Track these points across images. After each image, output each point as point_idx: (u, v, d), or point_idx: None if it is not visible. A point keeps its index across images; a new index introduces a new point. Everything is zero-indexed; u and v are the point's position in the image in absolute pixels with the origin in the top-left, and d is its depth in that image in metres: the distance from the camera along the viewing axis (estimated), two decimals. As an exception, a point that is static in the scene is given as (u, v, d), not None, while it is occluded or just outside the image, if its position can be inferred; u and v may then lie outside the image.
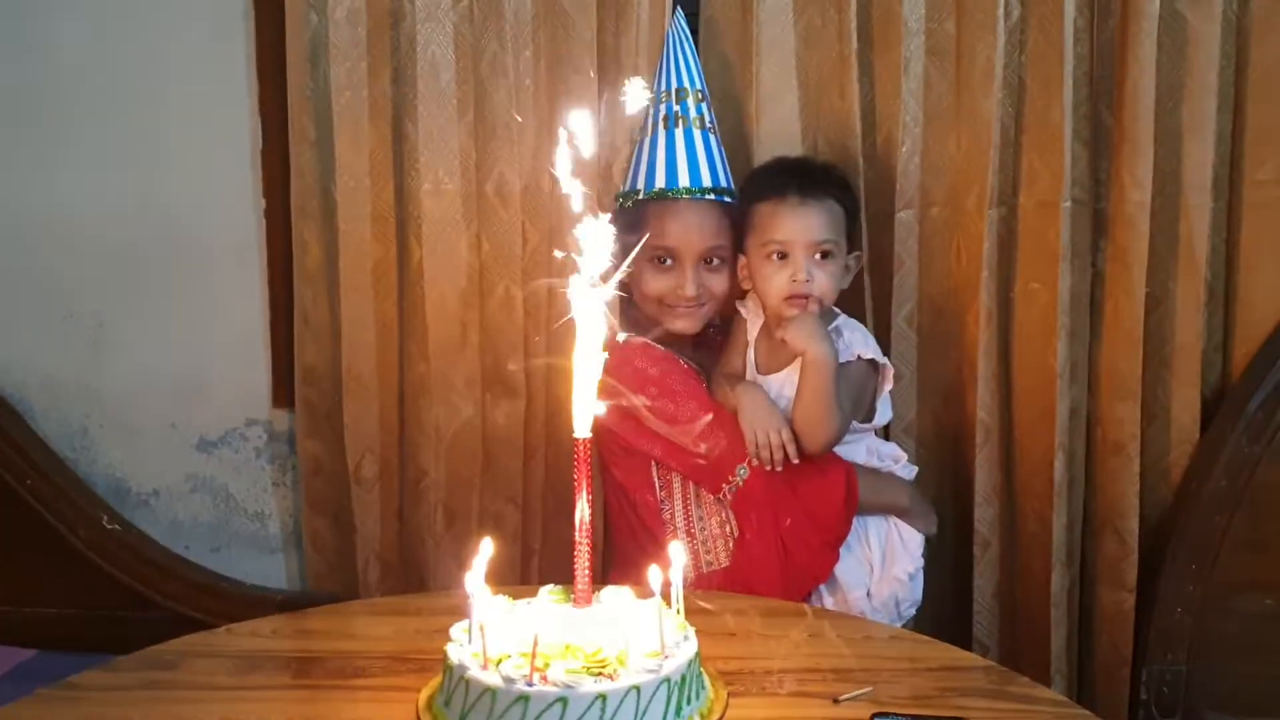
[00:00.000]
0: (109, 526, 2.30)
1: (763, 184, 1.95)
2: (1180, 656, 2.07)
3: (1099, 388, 2.08)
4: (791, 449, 1.84)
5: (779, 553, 1.86)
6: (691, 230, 1.96)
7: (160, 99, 2.27)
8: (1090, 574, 2.12)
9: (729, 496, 1.90)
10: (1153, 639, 2.07)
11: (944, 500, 2.17)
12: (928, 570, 2.15)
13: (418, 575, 2.21)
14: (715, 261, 2.00)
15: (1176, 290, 2.05)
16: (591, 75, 2.05)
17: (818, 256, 1.88)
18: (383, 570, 2.23)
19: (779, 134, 2.08)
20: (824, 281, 1.88)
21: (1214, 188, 2.01)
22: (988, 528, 2.11)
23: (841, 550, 1.90)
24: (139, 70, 2.27)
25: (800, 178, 1.92)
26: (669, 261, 1.98)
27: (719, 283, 2.01)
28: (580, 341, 1.35)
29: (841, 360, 1.86)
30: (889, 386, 1.97)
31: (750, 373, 1.98)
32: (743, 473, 1.87)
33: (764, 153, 2.09)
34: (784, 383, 1.91)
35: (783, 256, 1.89)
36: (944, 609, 2.17)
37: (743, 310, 2.04)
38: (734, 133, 2.11)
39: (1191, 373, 2.05)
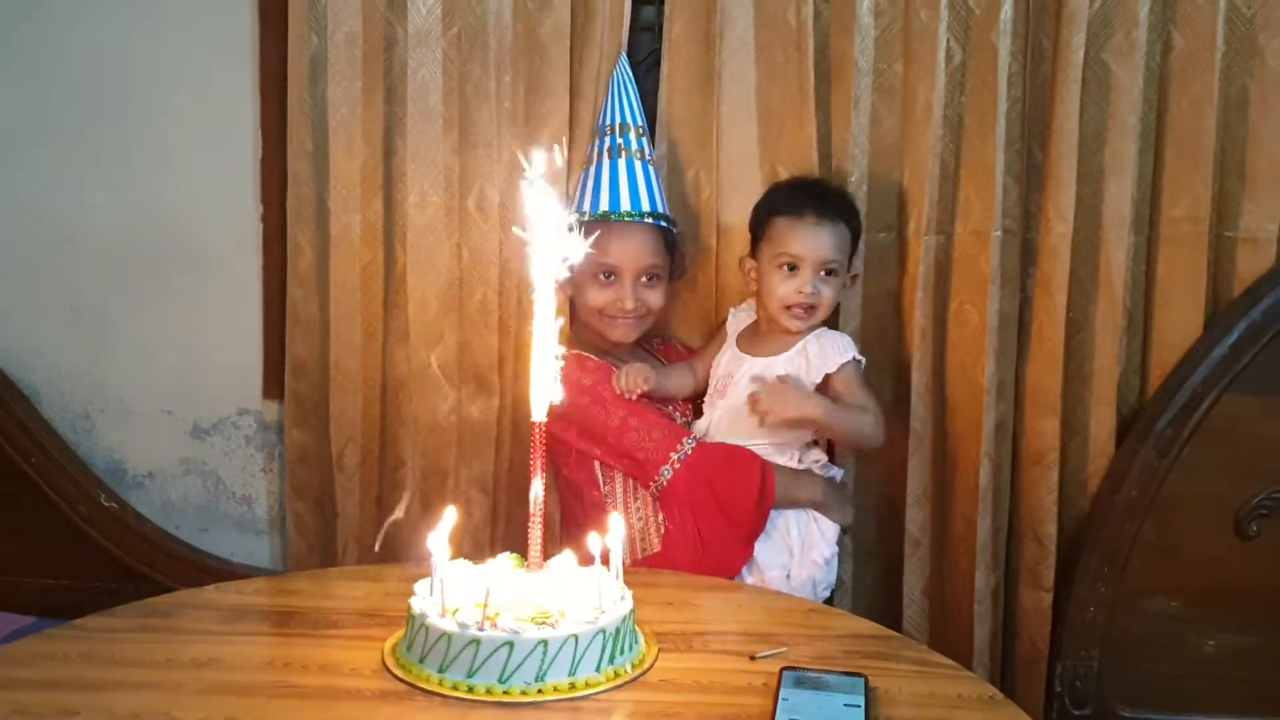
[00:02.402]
0: (106, 504, 2.47)
1: (783, 200, 2.12)
2: (1093, 653, 2.21)
3: (1024, 403, 2.22)
4: (637, 383, 2.08)
5: (697, 544, 2.04)
6: (631, 249, 2.14)
7: (168, 109, 2.43)
8: (1012, 575, 2.27)
9: (656, 493, 2.08)
10: (1067, 636, 2.21)
11: (881, 502, 2.34)
12: (863, 567, 2.34)
13: (393, 557, 2.35)
14: (651, 279, 2.18)
15: (1096, 316, 2.19)
16: (563, 99, 2.24)
17: (824, 273, 2.06)
18: (361, 552, 2.38)
19: (738, 161, 2.25)
20: (827, 295, 2.07)
21: (1133, 223, 2.15)
22: (918, 528, 2.26)
23: (765, 538, 2.06)
24: (149, 82, 2.43)
25: (819, 199, 2.09)
26: (610, 277, 2.15)
27: (655, 297, 2.19)
28: (537, 336, 1.52)
29: (841, 362, 2.06)
30: None
31: (732, 352, 2.17)
32: (666, 473, 2.05)
33: (725, 178, 2.26)
34: (764, 367, 2.10)
35: (793, 268, 2.07)
36: (877, 604, 2.34)
37: (733, 316, 2.24)
38: (696, 159, 2.28)
39: (1108, 392, 2.20)
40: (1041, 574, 2.23)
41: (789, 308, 2.07)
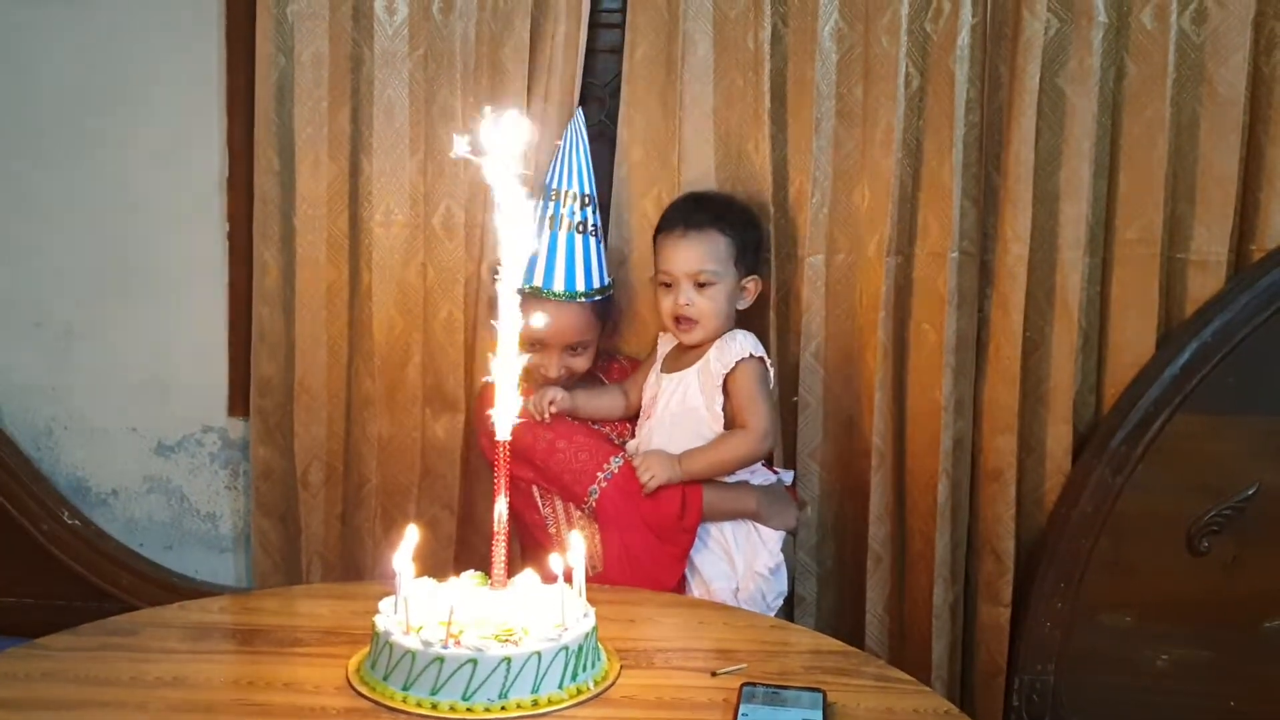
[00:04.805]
0: (69, 522, 2.47)
1: (663, 217, 2.17)
2: (1049, 668, 2.24)
3: (981, 421, 2.26)
4: (544, 405, 2.10)
5: (629, 563, 2.05)
6: (560, 328, 2.12)
7: (135, 126, 2.45)
8: (971, 590, 2.30)
9: (589, 513, 2.10)
10: (1025, 651, 2.24)
11: (844, 518, 2.36)
12: (825, 583, 2.36)
13: (357, 574, 2.37)
14: (579, 349, 2.20)
15: (1052, 336, 2.23)
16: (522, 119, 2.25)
17: (696, 285, 2.08)
18: (325, 570, 2.40)
19: (699, 182, 2.26)
20: (704, 306, 2.09)
21: (1088, 245, 2.19)
22: (880, 545, 2.28)
23: (705, 551, 2.10)
24: (116, 99, 2.44)
25: (689, 213, 2.13)
26: (537, 347, 2.14)
27: (581, 363, 2.21)
28: (499, 354, 1.54)
29: (737, 359, 2.07)
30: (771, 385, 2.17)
31: (656, 373, 2.20)
32: (594, 493, 2.07)
33: (687, 198, 2.27)
34: (678, 383, 2.14)
35: (668, 284, 2.11)
36: (839, 620, 2.35)
37: (662, 337, 2.26)
38: (658, 180, 2.30)
39: (1064, 410, 2.23)
40: (999, 589, 2.26)
41: (675, 320, 2.11)
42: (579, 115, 2.24)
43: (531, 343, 2.13)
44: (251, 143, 2.33)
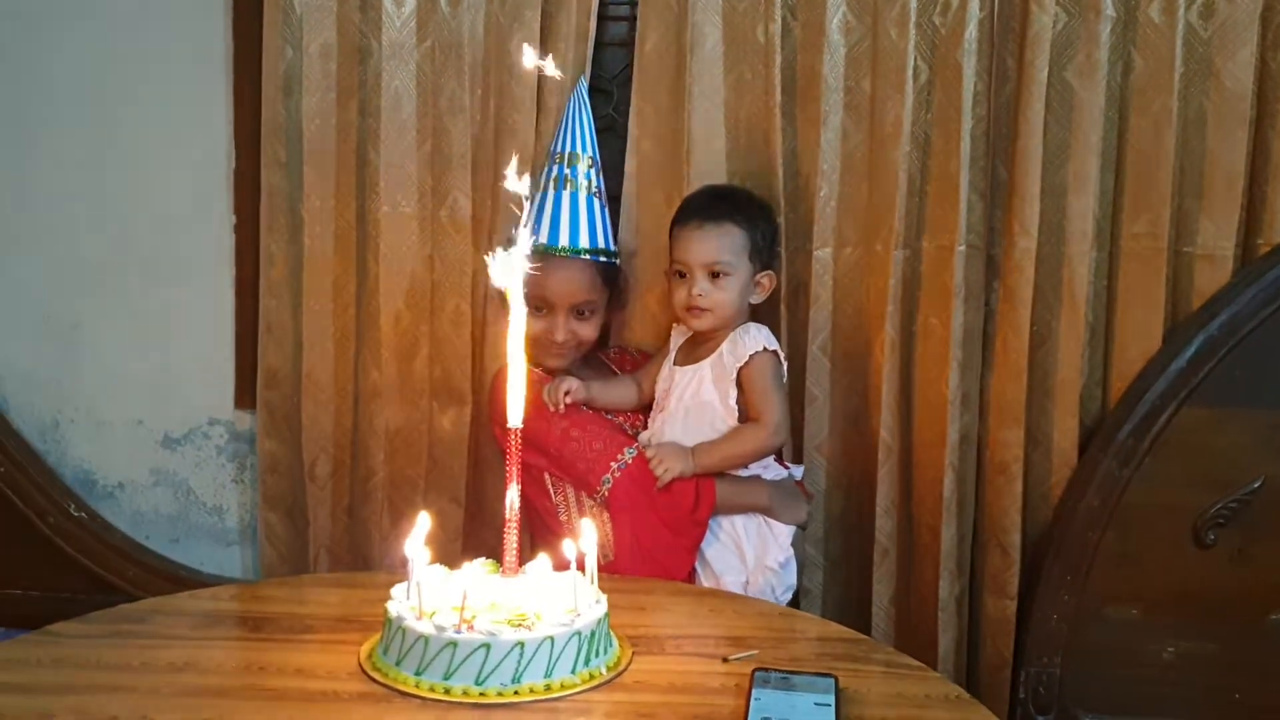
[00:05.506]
0: (76, 515, 2.47)
1: (679, 210, 2.16)
2: (1055, 660, 2.25)
3: (988, 414, 2.26)
4: (559, 396, 2.09)
5: (640, 553, 2.05)
6: (565, 285, 2.15)
7: (142, 119, 2.45)
8: (977, 583, 2.31)
9: (601, 503, 2.10)
10: (1031, 643, 2.25)
11: (850, 511, 2.37)
12: (831, 576, 2.36)
13: (365, 567, 2.37)
14: (586, 312, 2.20)
15: (1060, 329, 2.23)
16: (531, 114, 2.27)
17: (711, 275, 2.08)
18: (332, 562, 2.39)
19: (709, 175, 2.25)
20: (717, 297, 2.08)
21: (1095, 238, 2.20)
22: (886, 537, 2.29)
23: (716, 544, 2.09)
24: (123, 92, 2.44)
25: (705, 204, 2.12)
26: (544, 309, 2.16)
27: (588, 330, 2.21)
28: (510, 340, 1.54)
29: (751, 352, 2.07)
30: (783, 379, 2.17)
31: (669, 365, 2.19)
32: (607, 482, 2.07)
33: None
34: (691, 375, 2.13)
35: (683, 274, 2.10)
36: (847, 611, 2.36)
37: (675, 330, 2.25)
38: (667, 172, 2.30)
39: (1071, 403, 2.24)
40: (1006, 582, 2.27)
41: (688, 310, 2.11)
42: (582, 83, 2.25)
43: (537, 305, 2.13)
44: (259, 135, 2.32)
